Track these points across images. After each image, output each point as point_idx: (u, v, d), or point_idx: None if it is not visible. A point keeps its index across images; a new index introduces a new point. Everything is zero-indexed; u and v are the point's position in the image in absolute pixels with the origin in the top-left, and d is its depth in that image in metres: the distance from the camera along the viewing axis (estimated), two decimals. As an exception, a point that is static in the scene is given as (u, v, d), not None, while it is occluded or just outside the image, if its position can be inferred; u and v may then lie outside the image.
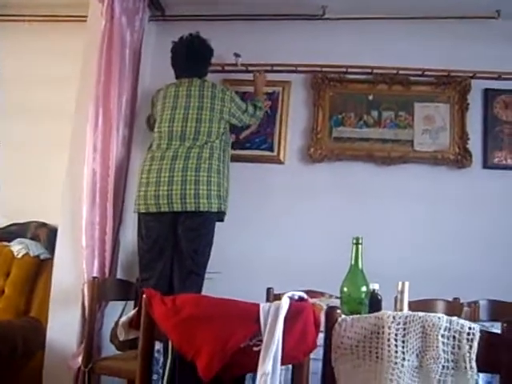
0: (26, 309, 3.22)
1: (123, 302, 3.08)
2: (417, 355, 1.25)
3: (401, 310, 1.89)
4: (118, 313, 2.99)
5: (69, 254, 3.05)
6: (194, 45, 3.24)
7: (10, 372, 2.84)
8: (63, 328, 2.95)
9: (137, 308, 1.59)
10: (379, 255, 2.86)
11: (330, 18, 3.60)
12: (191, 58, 3.23)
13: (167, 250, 3.00)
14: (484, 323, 2.23)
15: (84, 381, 2.54)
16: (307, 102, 3.67)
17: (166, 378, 1.52)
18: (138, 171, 3.13)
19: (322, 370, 1.33)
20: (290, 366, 1.58)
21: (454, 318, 1.26)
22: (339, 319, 1.31)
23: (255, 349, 1.39)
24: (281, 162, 3.61)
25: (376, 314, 1.31)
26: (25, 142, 3.74)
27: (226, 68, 3.67)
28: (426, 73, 3.55)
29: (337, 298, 2.09)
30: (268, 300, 2.70)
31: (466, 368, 1.22)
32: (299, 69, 3.65)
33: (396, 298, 1.96)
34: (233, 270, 3.30)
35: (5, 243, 3.38)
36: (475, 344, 1.23)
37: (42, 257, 3.33)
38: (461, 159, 3.46)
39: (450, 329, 1.25)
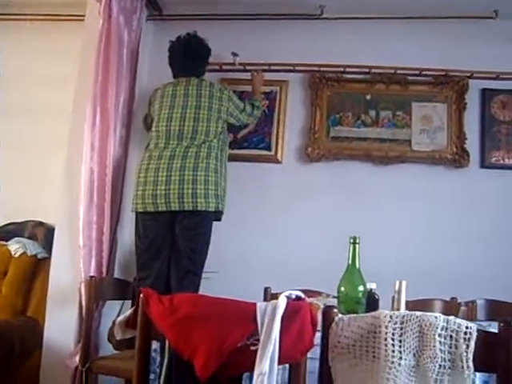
0: (23, 308, 3.22)
1: (121, 302, 3.08)
2: (414, 354, 1.25)
3: (398, 309, 1.89)
4: (115, 312, 2.99)
5: (66, 253, 3.05)
6: (192, 44, 3.24)
7: (7, 371, 2.84)
8: (60, 327, 2.95)
9: (133, 307, 1.59)
10: (377, 255, 2.86)
11: (328, 18, 3.60)
12: (189, 58, 3.23)
13: (165, 250, 3.00)
14: (481, 323, 2.23)
15: (81, 380, 2.53)
16: (305, 102, 3.67)
17: (162, 377, 1.51)
18: (136, 170, 3.13)
19: (318, 369, 1.33)
20: (287, 366, 1.58)
21: (451, 318, 1.26)
22: (336, 318, 1.31)
23: (252, 348, 1.39)
24: (278, 162, 3.61)
25: (373, 313, 1.31)
26: (24, 141, 3.73)
27: (224, 67, 3.67)
28: (423, 72, 3.55)
29: (334, 297, 2.09)
30: (265, 299, 2.70)
31: (462, 367, 1.22)
32: (297, 68, 3.65)
33: (393, 298, 1.96)
34: (230, 269, 3.30)
35: (2, 242, 3.38)
36: (472, 343, 1.23)
37: (39, 256, 3.32)
38: (458, 159, 3.46)
39: (447, 328, 1.25)
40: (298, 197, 3.52)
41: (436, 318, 1.26)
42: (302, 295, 1.53)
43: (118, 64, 3.20)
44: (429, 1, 3.42)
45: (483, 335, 1.25)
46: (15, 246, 3.30)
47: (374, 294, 1.99)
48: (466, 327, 1.25)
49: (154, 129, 3.15)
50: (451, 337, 1.24)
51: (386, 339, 1.25)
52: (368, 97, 3.61)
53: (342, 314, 1.35)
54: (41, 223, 3.55)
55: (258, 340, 1.38)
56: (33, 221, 3.57)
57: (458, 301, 2.78)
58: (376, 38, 3.61)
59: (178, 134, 3.05)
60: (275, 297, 1.92)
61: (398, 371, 1.23)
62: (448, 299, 2.78)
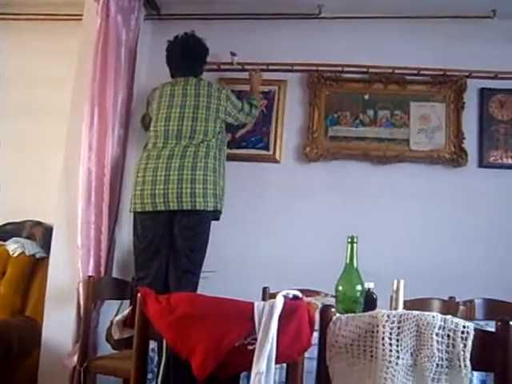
0: (22, 308, 3.22)
1: (119, 301, 3.08)
2: (411, 354, 1.25)
3: (396, 308, 1.89)
4: (113, 312, 2.99)
5: (64, 253, 3.05)
6: (189, 44, 3.24)
7: (5, 371, 2.84)
8: (59, 327, 2.95)
9: (131, 307, 1.59)
10: (375, 254, 2.87)
11: (326, 17, 3.60)
12: (186, 57, 3.23)
13: (163, 249, 3.00)
14: (479, 322, 2.23)
15: (79, 380, 2.53)
16: (303, 101, 3.67)
17: (160, 376, 1.51)
18: (134, 170, 3.13)
19: (316, 368, 1.33)
20: (285, 365, 1.58)
21: (449, 317, 1.26)
22: (334, 318, 1.31)
23: (250, 347, 1.39)
24: (276, 161, 3.61)
25: (370, 312, 1.31)
26: (24, 141, 3.73)
27: (222, 67, 3.67)
28: (421, 72, 3.55)
29: (332, 296, 2.09)
30: (264, 299, 2.70)
31: (460, 366, 1.23)
32: (295, 68, 3.65)
33: (391, 297, 1.96)
34: (228, 268, 3.30)
35: (0, 242, 3.38)
36: (469, 342, 1.23)
37: (37, 256, 3.32)
38: (456, 158, 3.47)
39: (444, 327, 1.25)
40: (297, 196, 3.52)
41: (433, 317, 1.26)
42: (300, 294, 1.53)
43: (116, 63, 3.20)
44: (427, 0, 3.42)
45: (480, 334, 1.25)
46: (13, 246, 3.30)
47: (371, 293, 1.99)
48: (464, 326, 1.25)
49: (152, 128, 3.15)
50: (448, 336, 1.24)
51: (383, 338, 1.25)
52: (366, 96, 3.61)
53: (340, 313, 1.35)
54: (39, 223, 3.55)
55: (256, 339, 1.38)
56: (31, 221, 3.57)
57: (456, 300, 2.79)
58: (374, 37, 3.61)
59: (176, 134, 3.05)
60: (274, 296, 1.92)
61: (396, 370, 1.23)
62: (446, 298, 2.78)
